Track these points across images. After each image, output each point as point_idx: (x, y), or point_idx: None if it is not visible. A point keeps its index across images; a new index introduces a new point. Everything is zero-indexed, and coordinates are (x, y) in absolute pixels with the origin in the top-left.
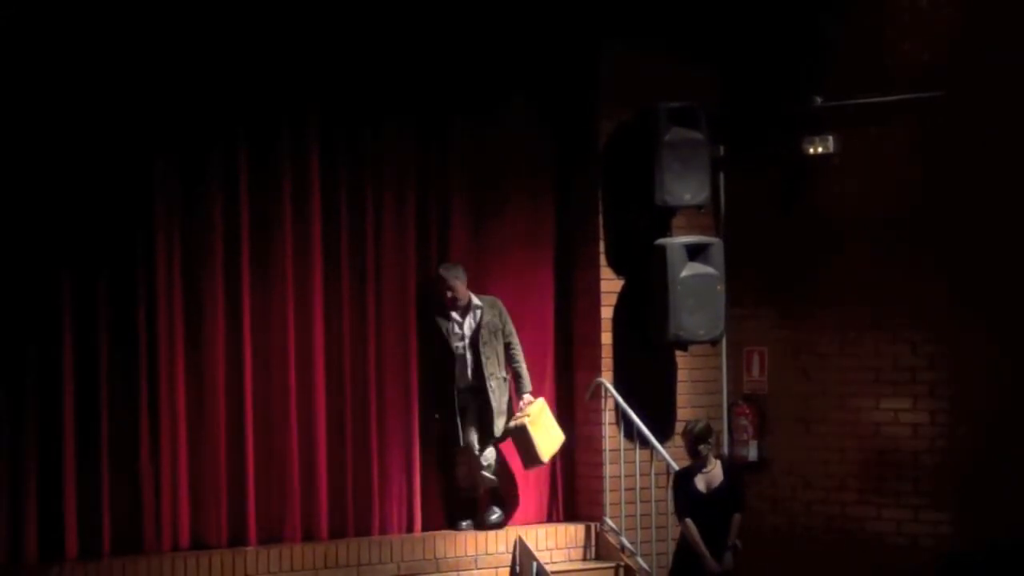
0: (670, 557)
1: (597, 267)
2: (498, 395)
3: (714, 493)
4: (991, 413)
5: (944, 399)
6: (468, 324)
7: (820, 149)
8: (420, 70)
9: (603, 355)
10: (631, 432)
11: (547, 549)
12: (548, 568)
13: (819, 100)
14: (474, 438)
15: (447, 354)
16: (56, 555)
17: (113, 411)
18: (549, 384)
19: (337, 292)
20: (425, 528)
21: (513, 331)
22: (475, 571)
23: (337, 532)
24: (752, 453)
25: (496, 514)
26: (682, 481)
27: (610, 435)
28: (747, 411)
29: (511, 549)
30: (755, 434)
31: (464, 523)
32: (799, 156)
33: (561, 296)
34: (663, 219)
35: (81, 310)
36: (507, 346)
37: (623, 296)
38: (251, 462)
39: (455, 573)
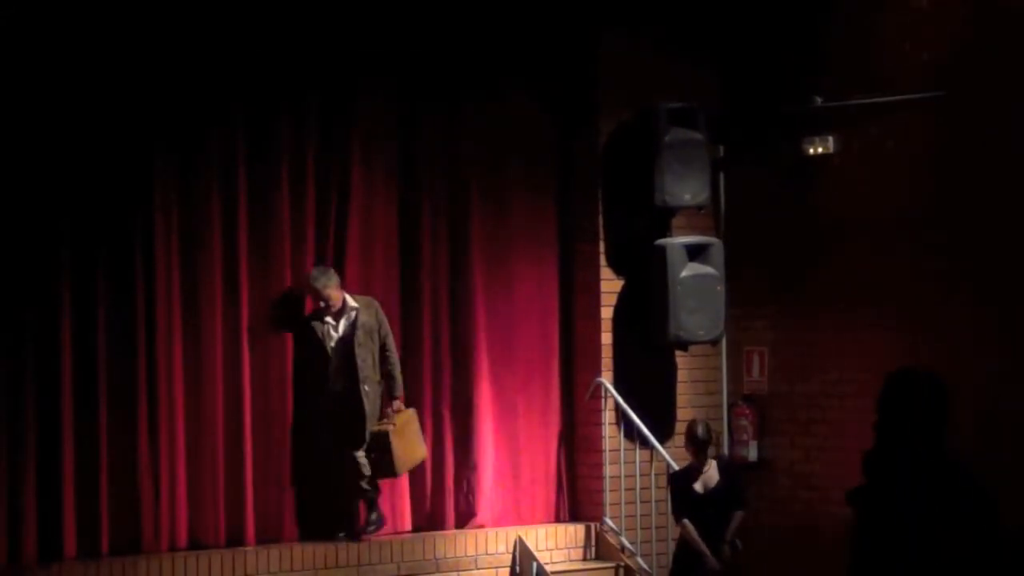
0: (670, 557)
1: (597, 267)
2: (372, 398)
3: (711, 493)
4: (994, 413)
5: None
6: (343, 326)
7: (820, 149)
8: (418, 62)
9: (603, 355)
10: (631, 432)
11: (547, 549)
12: (548, 568)
13: (819, 100)
14: (351, 444)
15: (321, 357)
16: (55, 555)
17: (112, 409)
18: (555, 383)
19: (343, 277)
20: (425, 528)
21: (389, 332)
22: (475, 571)
23: None
24: (752, 453)
25: (373, 525)
26: (679, 482)
27: (610, 435)
28: (747, 411)
29: (511, 549)
30: (755, 434)
31: (340, 534)
32: (799, 156)
33: (563, 296)
34: (663, 219)
35: (79, 306)
36: (382, 347)
37: (623, 296)
38: (249, 461)
39: (455, 573)
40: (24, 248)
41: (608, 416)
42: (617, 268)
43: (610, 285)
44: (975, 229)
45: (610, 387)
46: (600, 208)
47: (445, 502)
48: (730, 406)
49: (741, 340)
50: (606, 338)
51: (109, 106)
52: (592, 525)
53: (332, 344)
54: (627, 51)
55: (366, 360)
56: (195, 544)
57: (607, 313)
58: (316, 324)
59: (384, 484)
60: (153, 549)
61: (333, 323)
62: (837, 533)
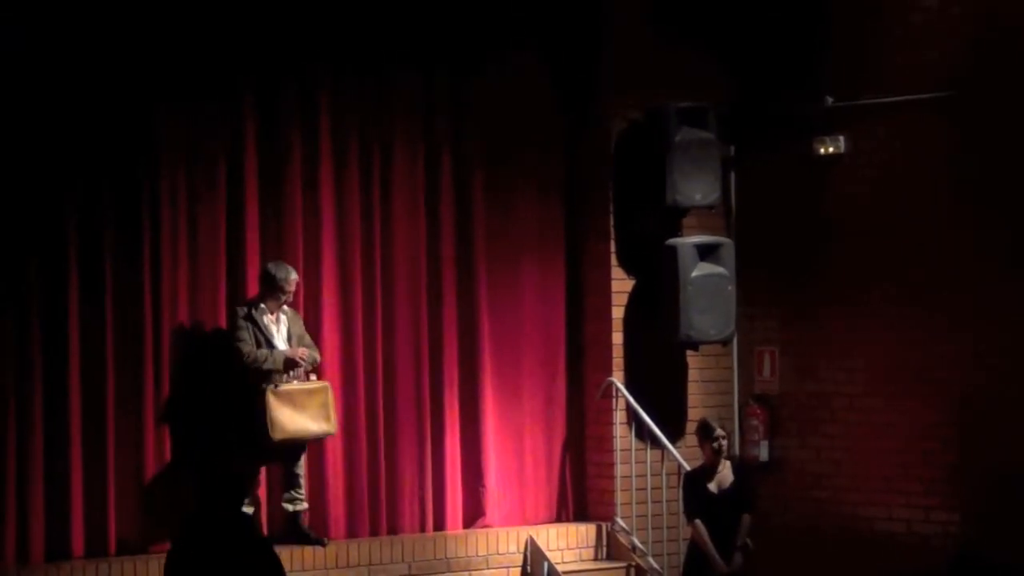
0: (681, 557)
1: (608, 267)
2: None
3: (724, 494)
4: (1004, 413)
5: (956, 399)
6: (283, 326)
7: (831, 149)
8: (423, 51)
9: (614, 355)
10: (642, 432)
11: (558, 549)
12: (559, 568)
13: (830, 100)
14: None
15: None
16: (63, 554)
17: (120, 409)
18: (561, 383)
19: (349, 279)
20: (436, 528)
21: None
22: (486, 571)
23: (351, 531)
24: (763, 453)
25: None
26: (692, 482)
27: (621, 435)
28: (758, 411)
29: (522, 549)
30: (766, 434)
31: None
32: (810, 156)
33: (571, 295)
34: (674, 219)
35: (86, 298)
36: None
37: (634, 296)
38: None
39: (466, 573)
40: (31, 222)
41: (619, 416)
42: (628, 268)
43: (621, 285)
44: (987, 227)
45: (621, 387)
46: (611, 208)
47: (452, 502)
48: (741, 406)
49: (752, 340)
50: (617, 338)
51: (116, 73)
52: (603, 525)
53: (280, 343)
54: (637, 50)
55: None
56: None
57: (618, 313)
58: (260, 318)
59: (391, 485)
60: (162, 549)
61: (274, 321)
62: (847, 533)
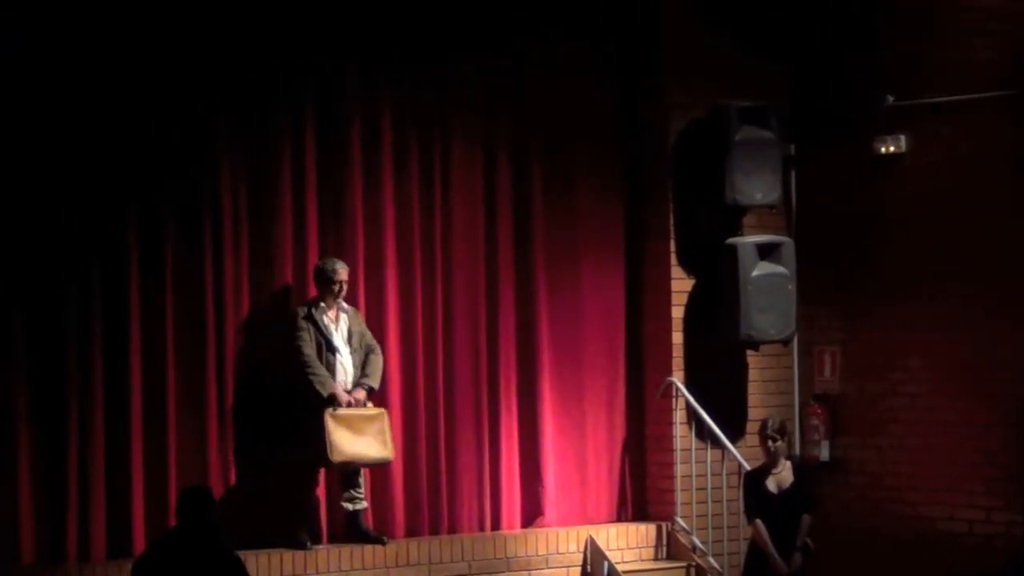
0: (742, 557)
1: (668, 266)
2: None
3: (784, 494)
4: None
5: (1018, 398)
6: (343, 325)
7: (892, 148)
8: (481, 48)
9: (674, 355)
10: (702, 432)
11: (618, 548)
12: (619, 568)
13: (891, 99)
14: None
15: (328, 355)
16: (124, 552)
17: (181, 408)
18: (620, 382)
19: (409, 278)
20: (495, 527)
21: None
22: (546, 570)
23: (411, 530)
24: (824, 453)
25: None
26: (752, 481)
27: (681, 435)
28: (818, 411)
29: (582, 548)
30: (826, 434)
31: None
32: (870, 155)
33: (631, 295)
34: (733, 218)
35: (146, 314)
36: (370, 352)
37: (693, 295)
38: None
39: (526, 572)
40: (94, 220)
41: (679, 416)
42: (688, 267)
43: (681, 284)
44: None
45: (681, 387)
46: (670, 206)
47: (510, 502)
48: (801, 406)
49: (812, 339)
50: (677, 337)
51: (179, 70)
52: (663, 525)
53: (340, 344)
54: (697, 49)
55: (357, 366)
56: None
57: (677, 312)
58: (318, 317)
59: (451, 483)
60: None
61: (334, 320)
62: (908, 533)
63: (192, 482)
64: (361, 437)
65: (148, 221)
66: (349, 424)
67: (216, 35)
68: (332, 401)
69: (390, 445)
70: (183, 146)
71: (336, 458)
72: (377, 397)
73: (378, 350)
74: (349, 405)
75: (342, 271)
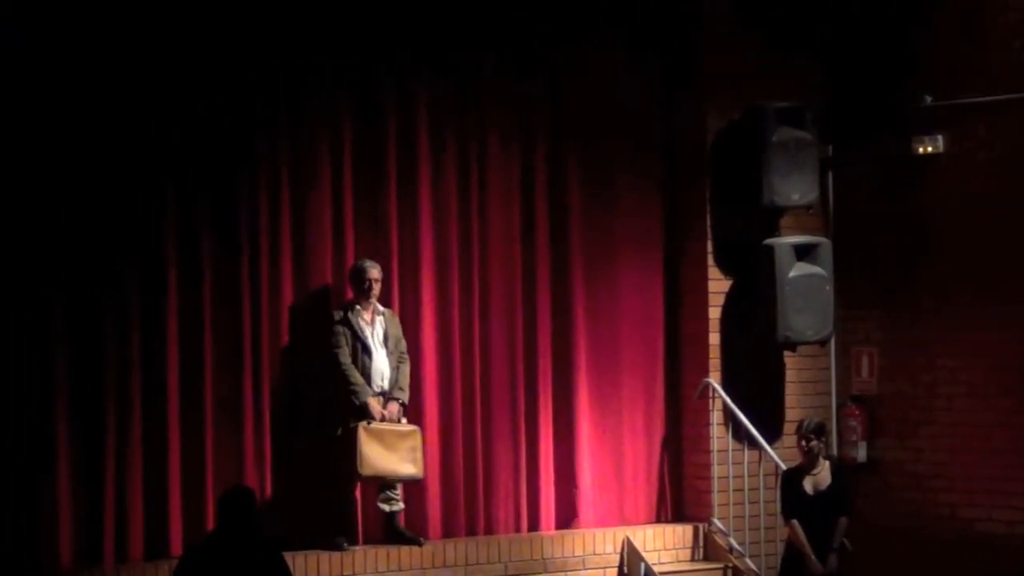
0: (779, 559)
1: (704, 266)
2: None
3: (820, 495)
4: None
5: None
6: (379, 327)
7: (930, 148)
8: (518, 42)
9: (711, 355)
10: (739, 433)
11: (655, 550)
12: (656, 569)
13: (929, 99)
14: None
15: (364, 358)
16: (161, 553)
17: (218, 409)
18: (659, 383)
19: (446, 277)
20: (531, 529)
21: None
22: (583, 571)
23: (447, 531)
24: (861, 454)
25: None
26: (788, 481)
27: (718, 436)
28: (856, 412)
29: (619, 550)
30: (864, 435)
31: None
32: (908, 155)
33: (668, 295)
34: (770, 219)
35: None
36: (400, 362)
37: (731, 296)
38: None
39: (563, 573)
40: (130, 223)
41: (716, 417)
42: (724, 268)
43: (718, 285)
44: None
45: (718, 387)
46: (707, 207)
47: (546, 503)
48: (839, 407)
49: (850, 340)
50: (714, 338)
51: (215, 72)
52: (700, 526)
53: (376, 346)
54: (734, 50)
55: (394, 368)
56: (298, 545)
57: (715, 313)
58: (353, 319)
59: (487, 484)
60: None
61: (368, 322)
62: (946, 534)
63: (229, 483)
64: (393, 453)
65: (186, 225)
66: (382, 439)
67: (254, 39)
68: (365, 410)
69: (420, 463)
70: (220, 151)
71: (365, 472)
72: (413, 399)
73: (407, 359)
74: (382, 419)
75: (372, 270)
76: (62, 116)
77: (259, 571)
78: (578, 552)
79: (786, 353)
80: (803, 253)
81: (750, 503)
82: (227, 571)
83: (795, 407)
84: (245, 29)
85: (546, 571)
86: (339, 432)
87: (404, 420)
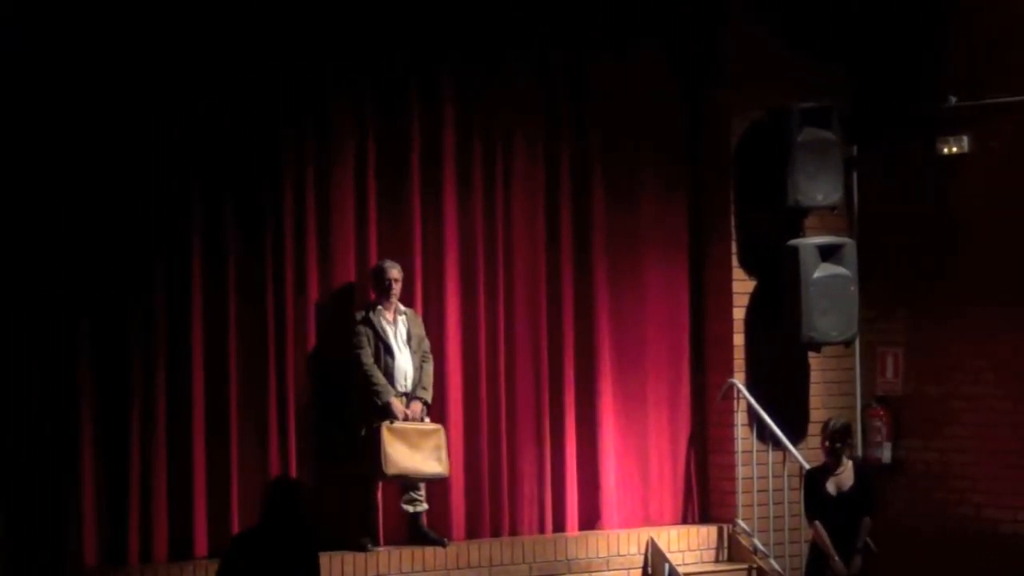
0: (803, 560)
1: (729, 267)
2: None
3: (844, 495)
4: None
5: None
6: (401, 327)
7: (955, 149)
8: (546, 42)
9: (735, 356)
10: (764, 434)
11: (679, 551)
12: (680, 569)
13: (954, 100)
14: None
15: (386, 358)
16: (186, 554)
17: (243, 410)
18: (684, 384)
19: (471, 279)
20: (556, 529)
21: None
22: (607, 572)
23: (471, 532)
24: (886, 455)
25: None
26: (811, 481)
27: (743, 436)
28: (881, 413)
29: (643, 550)
30: (889, 435)
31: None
32: (933, 156)
33: (693, 296)
34: (795, 219)
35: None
36: (423, 361)
37: (755, 297)
38: None
39: (587, 574)
40: (156, 223)
41: (740, 417)
42: (749, 268)
43: (742, 286)
44: None
45: (743, 388)
46: (732, 207)
47: (571, 504)
48: (864, 407)
49: (874, 341)
50: (738, 339)
51: (239, 72)
52: (724, 527)
53: (400, 346)
54: (759, 51)
55: (418, 368)
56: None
57: (739, 314)
58: (375, 320)
59: (512, 485)
60: None
61: (391, 322)
62: (970, 535)
63: (253, 483)
64: (417, 452)
65: (211, 226)
66: (405, 438)
67: (279, 40)
68: (387, 409)
69: (445, 461)
70: (245, 151)
71: (391, 471)
72: (437, 400)
73: (430, 359)
74: (405, 419)
75: (392, 270)
76: (85, 117)
77: (301, 563)
78: (603, 553)
79: (811, 354)
80: (828, 254)
81: (775, 504)
82: (273, 561)
83: (820, 408)
84: (275, 30)
85: (570, 572)
86: (363, 432)
87: (427, 419)
